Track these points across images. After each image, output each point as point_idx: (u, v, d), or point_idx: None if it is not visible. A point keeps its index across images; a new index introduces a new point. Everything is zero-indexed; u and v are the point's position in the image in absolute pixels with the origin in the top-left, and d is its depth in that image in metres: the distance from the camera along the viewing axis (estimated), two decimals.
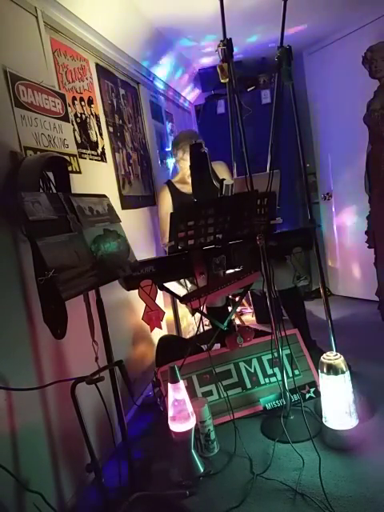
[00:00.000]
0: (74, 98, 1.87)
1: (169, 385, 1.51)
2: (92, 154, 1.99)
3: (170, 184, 2.57)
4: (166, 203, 2.52)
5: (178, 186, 2.55)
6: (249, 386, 1.95)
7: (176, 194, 2.52)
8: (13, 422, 1.23)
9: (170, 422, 1.52)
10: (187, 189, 2.50)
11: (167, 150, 3.23)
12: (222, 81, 1.75)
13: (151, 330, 1.72)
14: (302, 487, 1.39)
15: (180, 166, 2.54)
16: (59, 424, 1.44)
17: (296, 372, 1.98)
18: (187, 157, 2.34)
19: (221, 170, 2.47)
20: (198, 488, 1.48)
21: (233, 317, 2.25)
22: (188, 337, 2.84)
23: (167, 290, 2.04)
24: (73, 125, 1.81)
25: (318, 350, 2.12)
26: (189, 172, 2.39)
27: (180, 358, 1.82)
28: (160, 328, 1.76)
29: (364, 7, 2.73)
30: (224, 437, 1.72)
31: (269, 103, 3.41)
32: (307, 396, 1.89)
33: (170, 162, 3.27)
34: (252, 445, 1.68)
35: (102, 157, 2.11)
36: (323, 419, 1.62)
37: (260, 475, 1.48)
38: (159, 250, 2.72)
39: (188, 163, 2.35)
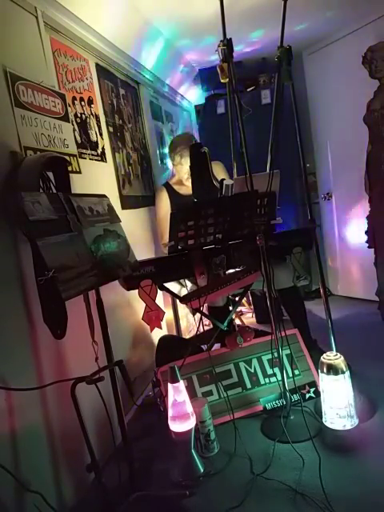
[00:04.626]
0: (73, 98, 1.87)
1: (169, 385, 1.51)
2: (92, 154, 1.99)
3: (167, 186, 2.59)
4: (164, 204, 2.53)
5: (176, 187, 2.56)
6: (249, 385, 1.95)
7: (174, 195, 2.54)
8: (13, 421, 1.23)
9: (170, 422, 1.52)
10: (184, 190, 2.52)
11: (166, 151, 3.22)
12: (222, 81, 1.75)
13: (151, 330, 1.72)
14: (301, 487, 1.39)
15: (177, 169, 2.54)
16: (59, 424, 1.44)
17: (296, 372, 1.98)
18: (184, 161, 2.36)
19: (218, 170, 2.46)
20: (198, 488, 1.48)
21: (233, 317, 2.25)
22: (188, 337, 2.84)
23: (167, 290, 2.04)
24: (73, 125, 1.81)
25: (318, 349, 2.12)
26: (186, 175, 2.41)
27: (180, 358, 1.82)
28: (160, 328, 1.76)
29: (364, 7, 2.73)
30: (224, 437, 1.72)
31: (269, 103, 3.41)
32: (307, 396, 1.89)
33: (170, 162, 3.27)
34: (252, 445, 1.68)
35: (102, 157, 2.11)
36: (323, 419, 1.62)
37: (260, 475, 1.48)
38: (159, 250, 2.72)
39: (185, 167, 2.37)
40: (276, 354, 1.73)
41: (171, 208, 2.50)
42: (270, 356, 1.98)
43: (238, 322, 3.06)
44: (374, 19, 2.86)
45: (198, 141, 2.46)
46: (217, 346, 2.22)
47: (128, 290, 1.81)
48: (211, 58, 3.20)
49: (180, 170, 2.49)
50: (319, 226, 3.61)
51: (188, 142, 2.36)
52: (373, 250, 2.87)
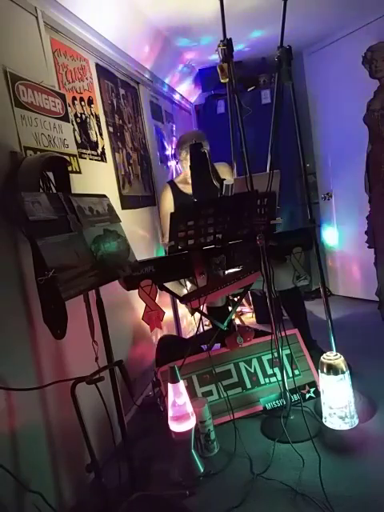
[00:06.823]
0: (73, 98, 1.87)
1: (169, 385, 1.51)
2: (92, 154, 1.99)
3: (172, 184, 2.57)
4: (168, 203, 2.52)
5: (180, 186, 2.54)
6: (249, 385, 1.95)
7: (178, 193, 2.52)
8: (13, 421, 1.23)
9: (170, 422, 1.52)
10: (189, 189, 2.49)
11: (166, 151, 3.22)
12: (222, 81, 1.75)
13: (151, 330, 1.72)
14: (301, 487, 1.39)
15: (182, 166, 2.53)
16: (59, 424, 1.44)
17: (296, 372, 1.98)
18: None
19: (224, 171, 2.45)
20: (198, 488, 1.48)
21: (233, 317, 2.25)
22: (188, 337, 2.84)
23: (167, 290, 2.04)
24: (73, 125, 1.81)
25: (318, 349, 2.12)
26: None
27: (180, 358, 1.82)
28: (160, 328, 1.76)
29: (364, 7, 2.73)
30: (224, 437, 1.72)
31: (269, 103, 3.42)
32: (307, 396, 1.90)
33: (170, 161, 3.27)
34: (252, 445, 1.68)
35: (102, 157, 2.11)
36: (323, 419, 1.62)
37: (260, 475, 1.48)
38: (159, 250, 2.72)
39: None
40: (276, 354, 1.74)
41: (175, 207, 2.49)
42: (270, 356, 1.98)
43: (237, 321, 3.06)
44: (374, 19, 2.86)
45: (206, 139, 2.40)
46: (217, 346, 2.22)
47: (128, 290, 1.80)
48: (211, 57, 3.20)
49: (185, 166, 2.47)
50: (319, 226, 3.61)
51: (196, 139, 2.32)
52: (373, 250, 2.87)
